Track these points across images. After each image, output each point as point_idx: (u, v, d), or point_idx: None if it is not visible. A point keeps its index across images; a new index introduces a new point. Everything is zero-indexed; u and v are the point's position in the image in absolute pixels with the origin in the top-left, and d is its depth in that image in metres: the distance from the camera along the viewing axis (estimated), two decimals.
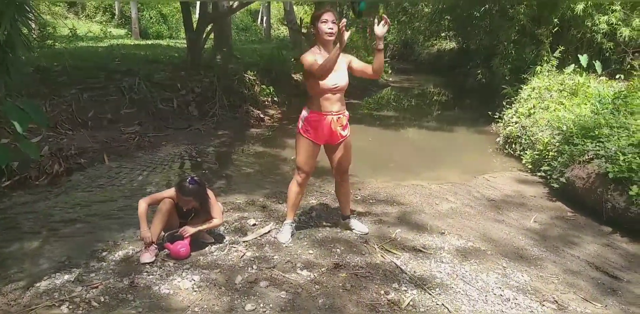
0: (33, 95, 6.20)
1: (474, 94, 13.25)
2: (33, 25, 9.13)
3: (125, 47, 12.44)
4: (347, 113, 3.43)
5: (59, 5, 20.81)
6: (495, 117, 7.83)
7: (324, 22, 3.13)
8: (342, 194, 3.71)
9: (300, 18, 15.03)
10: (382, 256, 3.35)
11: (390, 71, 17.29)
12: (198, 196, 3.17)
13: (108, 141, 6.15)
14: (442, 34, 17.55)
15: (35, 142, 5.34)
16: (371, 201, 4.55)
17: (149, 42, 16.07)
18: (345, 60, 3.30)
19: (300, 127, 3.38)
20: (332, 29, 3.12)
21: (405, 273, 3.11)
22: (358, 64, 3.37)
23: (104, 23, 20.93)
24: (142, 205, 3.18)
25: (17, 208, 4.18)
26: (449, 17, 14.56)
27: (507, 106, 7.88)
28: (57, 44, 11.52)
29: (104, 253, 3.25)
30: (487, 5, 10.35)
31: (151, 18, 21.02)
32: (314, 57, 3.17)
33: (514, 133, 6.78)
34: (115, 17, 21.80)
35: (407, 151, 7.33)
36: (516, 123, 6.99)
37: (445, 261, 3.32)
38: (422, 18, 17.18)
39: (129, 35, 18.32)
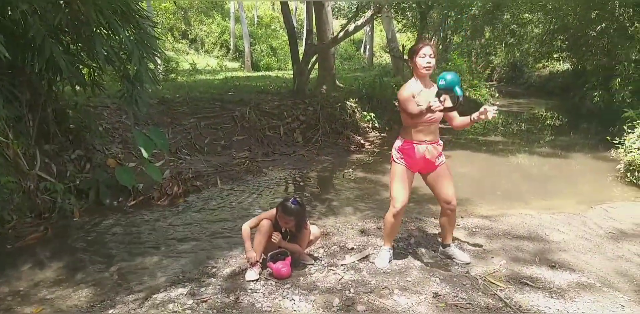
0: (157, 124, 6.92)
1: (591, 118, 12.35)
2: (159, 61, 10.25)
3: (238, 78, 13.41)
4: (441, 142, 3.44)
5: (182, 42, 23.07)
6: (615, 142, 7.21)
7: (422, 56, 3.17)
8: (447, 222, 3.57)
9: (403, 45, 15.16)
10: (484, 287, 3.22)
11: (497, 94, 16.69)
12: (298, 216, 3.34)
13: (221, 165, 6.64)
14: (555, 55, 16.63)
15: (159, 165, 5.92)
16: (474, 229, 4.39)
17: (260, 73, 17.17)
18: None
19: (394, 155, 3.43)
20: (430, 63, 3.15)
21: (510, 307, 2.95)
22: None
23: (220, 57, 22.74)
24: (246, 227, 3.42)
25: (141, 226, 4.65)
26: (561, 38, 13.84)
27: (629, 130, 7.23)
28: (179, 77, 12.75)
29: (214, 270, 3.50)
30: (603, 24, 9.70)
31: (262, 51, 22.50)
32: (411, 91, 3.20)
33: (638, 160, 6.19)
34: (230, 51, 23.62)
35: (515, 178, 6.98)
36: (639, 149, 6.39)
37: (554, 297, 3.10)
38: (532, 39, 16.50)
39: (242, 68, 19.72)
